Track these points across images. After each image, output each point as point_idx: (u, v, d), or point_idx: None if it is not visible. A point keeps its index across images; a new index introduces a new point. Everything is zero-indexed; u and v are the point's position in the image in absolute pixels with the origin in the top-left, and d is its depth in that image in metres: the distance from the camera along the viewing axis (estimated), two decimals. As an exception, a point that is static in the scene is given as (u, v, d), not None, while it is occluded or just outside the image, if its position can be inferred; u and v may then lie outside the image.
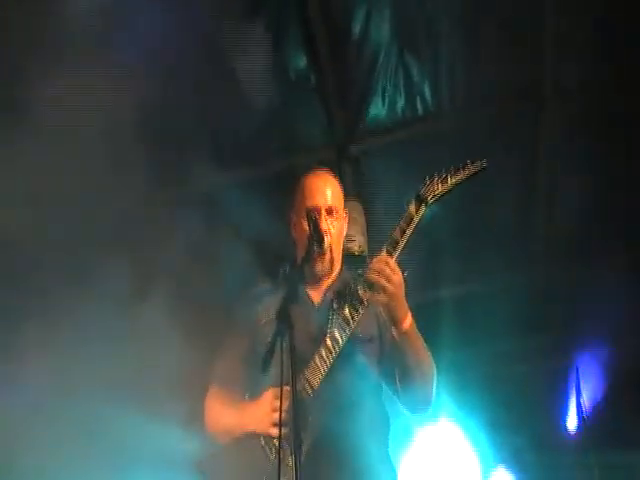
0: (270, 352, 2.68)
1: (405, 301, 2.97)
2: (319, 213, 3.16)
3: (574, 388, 5.44)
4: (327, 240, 3.12)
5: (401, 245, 2.96)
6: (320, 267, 3.18)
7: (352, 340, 3.02)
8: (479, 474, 5.38)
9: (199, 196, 4.64)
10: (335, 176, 3.33)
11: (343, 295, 3.10)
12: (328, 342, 3.00)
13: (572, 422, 5.40)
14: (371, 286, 2.93)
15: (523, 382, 5.32)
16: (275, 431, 2.93)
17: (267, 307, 3.10)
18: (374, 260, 2.96)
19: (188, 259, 4.42)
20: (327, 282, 3.25)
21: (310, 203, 3.18)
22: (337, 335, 3.00)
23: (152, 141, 4.20)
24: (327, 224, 3.15)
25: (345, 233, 3.32)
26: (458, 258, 4.93)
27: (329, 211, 3.18)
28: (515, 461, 5.33)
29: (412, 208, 2.97)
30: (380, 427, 3.16)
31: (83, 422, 4.65)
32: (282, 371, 2.64)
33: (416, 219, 2.97)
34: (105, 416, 4.54)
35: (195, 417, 3.35)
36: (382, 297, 2.92)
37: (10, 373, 4.43)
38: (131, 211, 4.54)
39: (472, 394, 5.18)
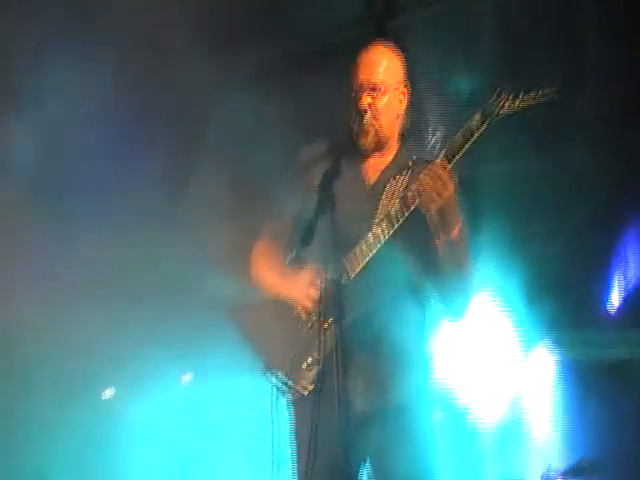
0: (310, 227, 2.65)
1: (456, 210, 2.92)
2: (361, 88, 3.08)
3: (620, 265, 5.38)
4: (366, 117, 3.04)
5: (458, 157, 2.87)
6: (363, 146, 3.11)
7: (396, 237, 2.96)
8: (519, 352, 5.39)
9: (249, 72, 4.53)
10: (396, 49, 3.21)
11: (393, 189, 3.06)
12: (371, 235, 2.96)
13: (615, 299, 5.36)
14: (422, 190, 2.87)
15: (567, 259, 5.25)
16: (310, 304, 2.94)
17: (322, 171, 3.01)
18: (427, 169, 2.88)
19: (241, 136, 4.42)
20: (382, 162, 3.17)
21: (354, 78, 3.11)
22: (380, 232, 2.96)
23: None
24: (368, 100, 3.06)
25: (403, 111, 3.19)
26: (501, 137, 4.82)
27: (373, 87, 3.08)
28: (556, 338, 5.32)
29: (474, 122, 2.87)
30: (414, 323, 3.12)
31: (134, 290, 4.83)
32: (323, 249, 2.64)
33: (477, 134, 2.87)
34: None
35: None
36: (433, 204, 2.86)
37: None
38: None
39: (514, 272, 5.15)
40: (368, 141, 3.09)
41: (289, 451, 3.03)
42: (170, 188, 4.91)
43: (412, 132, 3.32)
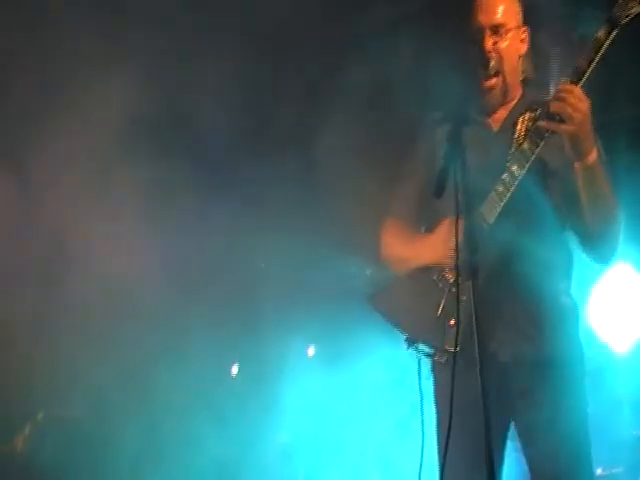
0: (442, 175, 2.50)
1: (591, 133, 2.72)
2: (483, 31, 2.91)
3: None
4: (492, 61, 2.88)
5: (587, 74, 2.69)
6: (490, 93, 2.95)
7: (532, 175, 2.80)
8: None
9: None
10: None
11: (523, 125, 2.89)
12: (505, 177, 2.80)
13: None
14: (554, 116, 2.70)
15: None
16: (449, 261, 2.79)
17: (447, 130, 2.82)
18: (558, 89, 2.72)
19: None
20: (506, 108, 3.00)
21: (475, 21, 2.93)
22: (515, 170, 2.79)
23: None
24: (491, 43, 2.90)
25: (525, 53, 3.02)
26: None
27: (495, 29, 2.91)
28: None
29: (601, 34, 2.68)
30: (559, 266, 2.95)
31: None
32: (456, 199, 2.48)
33: (606, 44, 2.68)
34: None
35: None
36: (567, 127, 2.68)
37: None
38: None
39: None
40: (494, 84, 2.93)
41: (433, 419, 2.92)
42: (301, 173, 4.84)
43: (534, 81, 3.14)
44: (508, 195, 2.80)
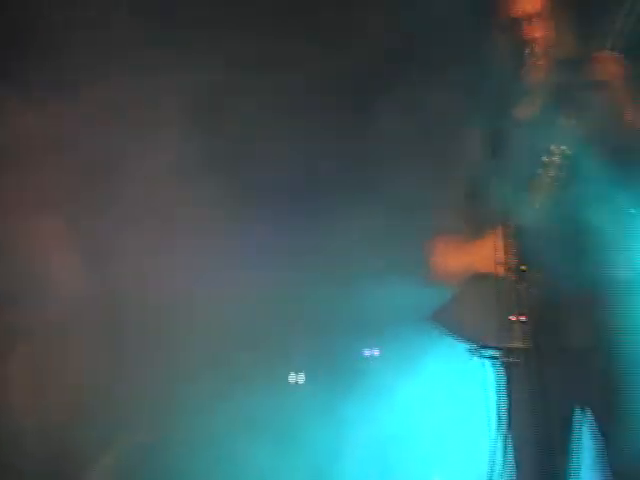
0: (477, 180, 2.61)
1: (630, 97, 2.77)
2: (518, 22, 2.94)
3: None
4: (531, 49, 2.90)
5: (624, 34, 2.73)
6: (532, 82, 2.97)
7: (584, 146, 2.82)
8: None
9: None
10: None
11: (561, 103, 2.87)
12: (555, 159, 2.83)
13: None
14: (594, 85, 2.75)
15: None
16: (501, 269, 2.82)
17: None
18: (595, 58, 2.75)
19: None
20: (539, 95, 3.02)
21: (505, 12, 2.97)
22: (559, 148, 2.82)
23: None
24: (529, 32, 2.93)
25: (554, 38, 3.02)
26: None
27: (529, 17, 2.94)
28: None
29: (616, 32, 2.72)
30: (619, 239, 2.93)
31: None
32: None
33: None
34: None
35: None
36: (603, 94, 2.74)
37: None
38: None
39: None
40: (537, 75, 2.95)
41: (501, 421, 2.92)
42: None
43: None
44: (558, 176, 2.83)
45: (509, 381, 2.93)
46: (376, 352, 5.56)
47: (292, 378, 5.67)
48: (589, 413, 2.94)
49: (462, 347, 3.01)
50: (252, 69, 4.55)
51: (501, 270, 2.87)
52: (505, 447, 2.71)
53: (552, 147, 2.81)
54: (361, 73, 4.64)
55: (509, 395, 2.93)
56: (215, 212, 4.45)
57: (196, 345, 4.69)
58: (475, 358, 2.95)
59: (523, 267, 2.70)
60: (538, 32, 2.93)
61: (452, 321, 3.03)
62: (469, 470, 4.46)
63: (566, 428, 2.88)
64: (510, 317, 2.82)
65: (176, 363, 4.70)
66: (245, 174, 4.69)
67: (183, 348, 4.69)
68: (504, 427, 2.72)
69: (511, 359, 2.82)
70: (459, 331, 3.00)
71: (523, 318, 2.73)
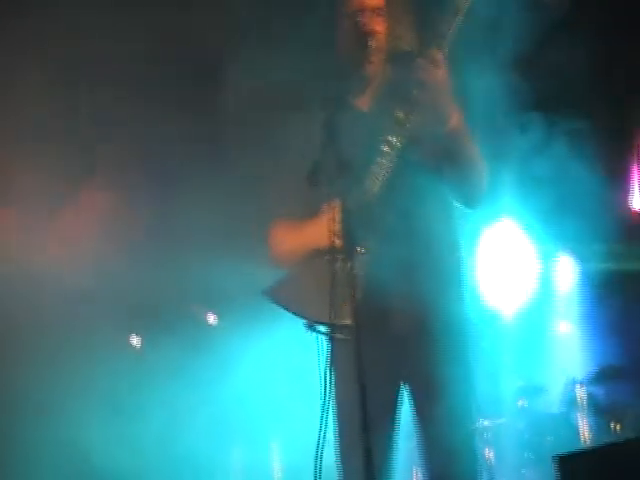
0: (317, 164, 2.65)
1: (452, 98, 2.90)
2: (363, 11, 3.02)
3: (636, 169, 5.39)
4: (373, 42, 3.00)
5: (449, 38, 2.85)
6: (369, 72, 3.09)
7: (409, 142, 2.96)
8: (540, 262, 5.45)
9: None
10: None
11: (394, 96, 3.00)
12: (384, 148, 2.95)
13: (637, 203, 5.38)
14: (417, 84, 2.86)
15: (583, 169, 5.24)
16: (339, 241, 2.91)
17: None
18: (419, 58, 2.87)
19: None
20: (375, 85, 3.16)
21: (350, 3, 3.04)
22: (392, 139, 2.94)
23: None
24: (372, 25, 3.02)
25: (394, 32, 3.15)
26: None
27: (375, 10, 3.04)
28: (577, 250, 5.37)
29: (444, 26, 2.85)
30: (447, 233, 3.16)
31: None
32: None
33: (466, 4, 2.84)
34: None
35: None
36: (426, 94, 2.85)
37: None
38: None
39: (531, 186, 5.17)
40: (373, 67, 3.07)
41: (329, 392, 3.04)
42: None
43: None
44: (389, 164, 2.95)
45: (338, 356, 3.05)
46: (214, 318, 5.66)
47: (133, 340, 5.71)
48: (411, 394, 3.11)
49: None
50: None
51: (334, 250, 2.97)
52: (329, 418, 2.82)
53: (387, 138, 2.94)
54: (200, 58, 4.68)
55: (336, 370, 3.07)
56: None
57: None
58: (310, 332, 3.04)
59: (354, 249, 2.80)
60: (378, 25, 3.03)
61: (286, 296, 3.09)
62: (303, 437, 4.67)
63: (388, 406, 3.04)
64: (339, 296, 2.91)
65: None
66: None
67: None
68: (329, 400, 2.83)
69: (340, 335, 2.94)
70: (292, 306, 3.08)
71: (347, 297, 2.83)
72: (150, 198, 5.01)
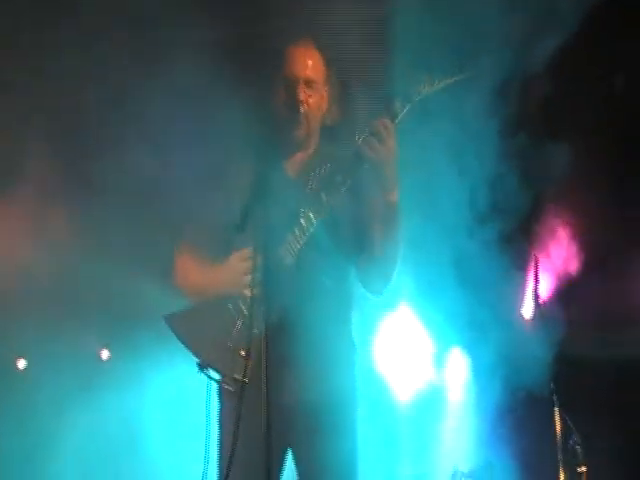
0: (245, 213, 2.73)
1: (396, 173, 3.05)
2: (296, 82, 3.17)
3: (532, 275, 5.57)
4: (303, 109, 3.14)
5: (399, 118, 3.04)
6: (296, 136, 3.21)
7: (326, 221, 3.09)
8: (433, 356, 5.57)
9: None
10: (318, 48, 3.31)
11: (320, 174, 3.14)
12: (302, 222, 3.06)
13: (528, 309, 5.57)
14: (365, 148, 2.99)
15: (482, 265, 5.39)
16: (247, 292, 2.96)
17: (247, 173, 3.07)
18: (372, 122, 3.02)
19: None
20: (304, 157, 3.29)
21: (288, 72, 3.19)
22: (311, 216, 3.06)
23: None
24: (304, 94, 3.16)
25: (327, 109, 3.32)
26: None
27: (307, 82, 3.19)
28: (471, 343, 5.50)
29: (397, 105, 3.04)
30: (345, 308, 3.27)
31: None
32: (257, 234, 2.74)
33: (400, 116, 3.04)
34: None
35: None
36: (375, 156, 2.98)
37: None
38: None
39: (428, 276, 5.28)
40: (301, 133, 3.20)
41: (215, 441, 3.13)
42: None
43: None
44: (303, 238, 3.06)
45: (226, 406, 3.15)
46: (107, 353, 5.56)
47: (20, 364, 5.58)
48: (295, 460, 3.17)
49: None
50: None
51: (238, 301, 3.06)
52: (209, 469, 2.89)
53: (307, 212, 3.06)
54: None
55: (223, 420, 3.14)
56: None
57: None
58: (200, 373, 3.04)
59: (257, 307, 2.85)
60: (308, 96, 3.18)
61: (186, 329, 3.10)
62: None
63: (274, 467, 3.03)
64: (235, 346, 2.99)
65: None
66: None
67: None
68: (209, 446, 2.88)
69: (228, 387, 2.98)
70: (188, 341, 3.08)
71: (243, 353, 2.88)
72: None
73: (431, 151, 4.95)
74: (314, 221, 3.06)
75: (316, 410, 3.08)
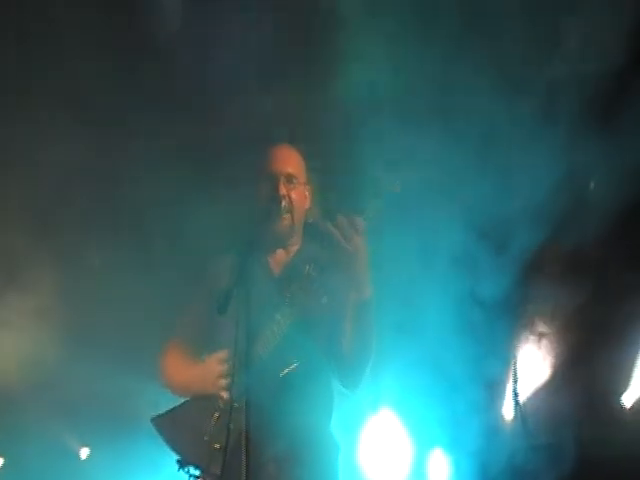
0: (226, 296, 2.76)
1: (368, 271, 3.11)
2: (278, 177, 3.29)
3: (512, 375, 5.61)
4: (284, 203, 3.25)
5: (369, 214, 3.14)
6: (279, 229, 3.30)
7: (304, 319, 3.16)
8: (413, 458, 5.56)
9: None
10: (297, 150, 3.46)
11: (300, 273, 3.21)
12: (279, 318, 3.14)
13: (509, 412, 5.60)
14: (333, 243, 3.07)
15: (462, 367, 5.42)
16: (225, 394, 3.07)
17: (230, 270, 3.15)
18: (341, 218, 3.09)
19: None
20: (287, 253, 3.39)
21: (270, 168, 3.32)
22: (288, 312, 3.14)
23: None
24: (285, 188, 3.28)
25: (308, 206, 3.43)
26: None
27: (288, 177, 3.31)
28: (452, 445, 5.50)
29: (368, 203, 3.14)
30: (324, 405, 3.31)
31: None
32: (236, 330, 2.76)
33: (369, 214, 3.14)
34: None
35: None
36: (344, 254, 3.04)
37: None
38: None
39: (409, 379, 5.31)
40: (283, 226, 3.30)
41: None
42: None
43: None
44: (281, 334, 3.12)
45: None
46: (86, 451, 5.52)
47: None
48: None
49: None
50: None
51: (216, 402, 3.13)
52: None
53: (284, 308, 3.14)
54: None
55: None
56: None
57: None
58: (180, 470, 3.09)
59: (234, 403, 2.93)
60: (290, 191, 3.30)
61: (169, 428, 3.17)
62: None
63: None
64: (211, 440, 3.04)
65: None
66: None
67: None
68: None
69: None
70: (171, 440, 3.14)
71: (217, 446, 2.95)
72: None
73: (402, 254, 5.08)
74: (291, 318, 3.13)
75: None
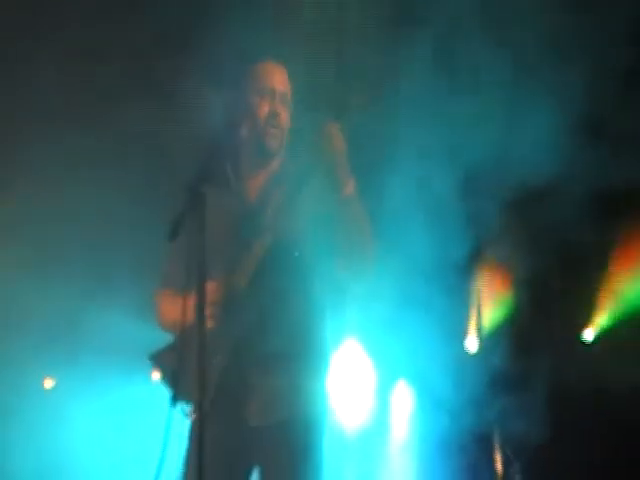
0: (178, 220, 2.68)
1: (347, 165, 3.04)
2: (273, 95, 3.19)
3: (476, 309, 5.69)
4: (278, 121, 3.15)
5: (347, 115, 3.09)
6: (272, 143, 3.19)
7: (283, 242, 3.06)
8: (376, 389, 5.64)
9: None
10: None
11: (274, 196, 3.12)
12: (257, 243, 3.04)
13: (472, 343, 5.69)
14: (312, 150, 3.01)
15: (428, 300, 5.48)
16: (209, 323, 2.93)
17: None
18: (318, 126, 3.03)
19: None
20: (267, 175, 3.25)
21: (264, 84, 3.20)
22: (264, 239, 3.05)
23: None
24: (278, 106, 3.17)
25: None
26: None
27: (281, 96, 3.21)
28: (416, 377, 5.59)
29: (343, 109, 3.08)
30: (314, 321, 3.21)
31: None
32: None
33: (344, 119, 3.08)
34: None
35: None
36: (323, 159, 2.99)
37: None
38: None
39: (376, 311, 5.34)
40: (276, 144, 3.20)
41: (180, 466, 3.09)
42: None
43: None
44: (259, 259, 3.02)
45: (193, 438, 3.08)
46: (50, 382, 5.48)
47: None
48: (261, 474, 3.12)
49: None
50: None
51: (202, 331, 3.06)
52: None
53: (263, 233, 3.05)
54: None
55: (190, 450, 3.09)
56: None
57: None
58: (171, 405, 2.97)
59: (216, 334, 2.87)
60: (282, 110, 3.22)
61: (166, 365, 3.10)
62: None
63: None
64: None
65: None
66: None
67: None
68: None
69: (192, 414, 2.98)
70: (167, 376, 3.09)
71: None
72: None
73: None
74: (270, 242, 3.05)
75: (284, 427, 3.06)
